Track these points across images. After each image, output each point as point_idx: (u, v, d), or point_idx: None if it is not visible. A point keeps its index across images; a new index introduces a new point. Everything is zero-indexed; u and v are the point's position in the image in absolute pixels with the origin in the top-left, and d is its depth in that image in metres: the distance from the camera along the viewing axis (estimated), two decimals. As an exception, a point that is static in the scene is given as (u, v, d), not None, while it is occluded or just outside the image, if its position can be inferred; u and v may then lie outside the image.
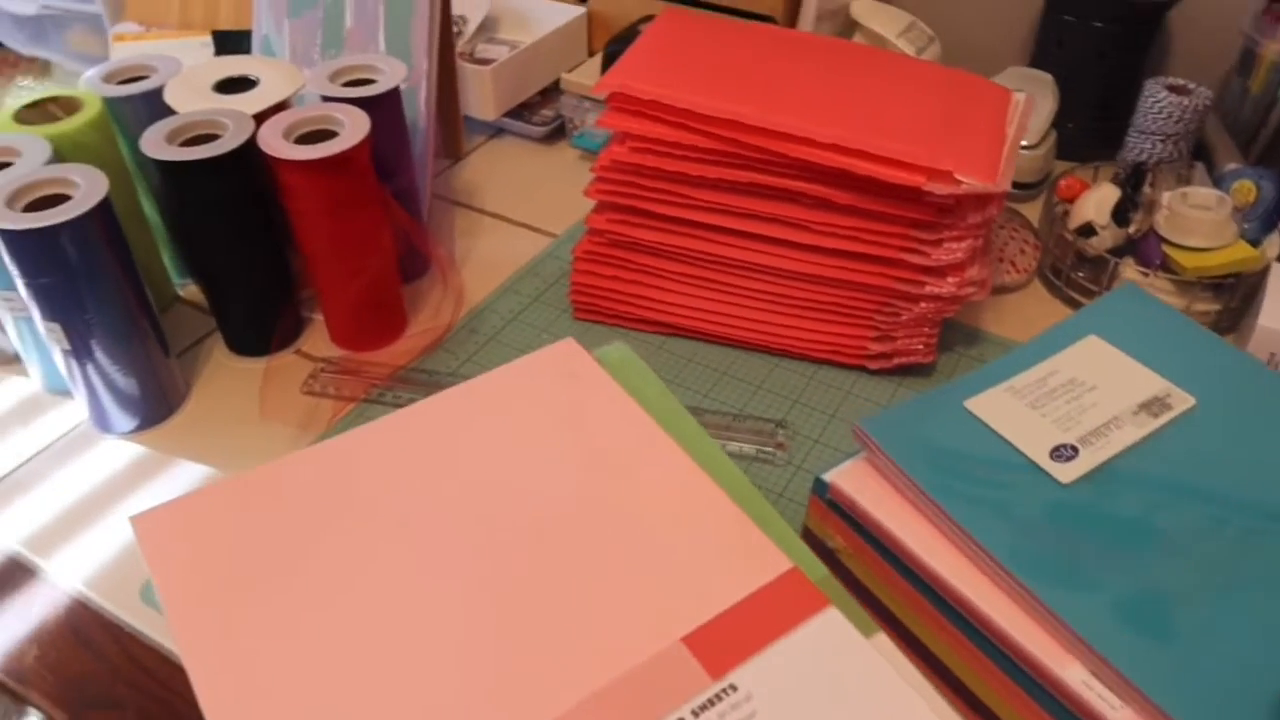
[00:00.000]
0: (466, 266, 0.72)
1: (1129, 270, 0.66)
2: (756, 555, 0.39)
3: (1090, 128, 0.84)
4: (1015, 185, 0.79)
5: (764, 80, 0.60)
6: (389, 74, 0.63)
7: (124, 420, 0.59)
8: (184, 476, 0.57)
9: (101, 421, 0.59)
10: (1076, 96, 0.82)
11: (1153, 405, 0.47)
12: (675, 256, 0.63)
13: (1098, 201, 0.68)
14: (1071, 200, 0.71)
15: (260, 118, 0.59)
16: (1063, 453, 0.45)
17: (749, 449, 0.58)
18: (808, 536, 0.50)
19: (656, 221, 0.62)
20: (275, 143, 0.55)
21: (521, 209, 0.78)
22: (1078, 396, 0.48)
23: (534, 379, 0.47)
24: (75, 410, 0.61)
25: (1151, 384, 0.48)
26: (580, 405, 0.45)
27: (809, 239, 0.59)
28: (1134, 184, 0.69)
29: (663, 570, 0.39)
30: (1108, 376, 0.49)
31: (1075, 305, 0.69)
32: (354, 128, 0.57)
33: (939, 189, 0.54)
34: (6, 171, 0.54)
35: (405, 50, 0.72)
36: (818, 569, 0.40)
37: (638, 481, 0.42)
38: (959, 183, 0.54)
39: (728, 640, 0.36)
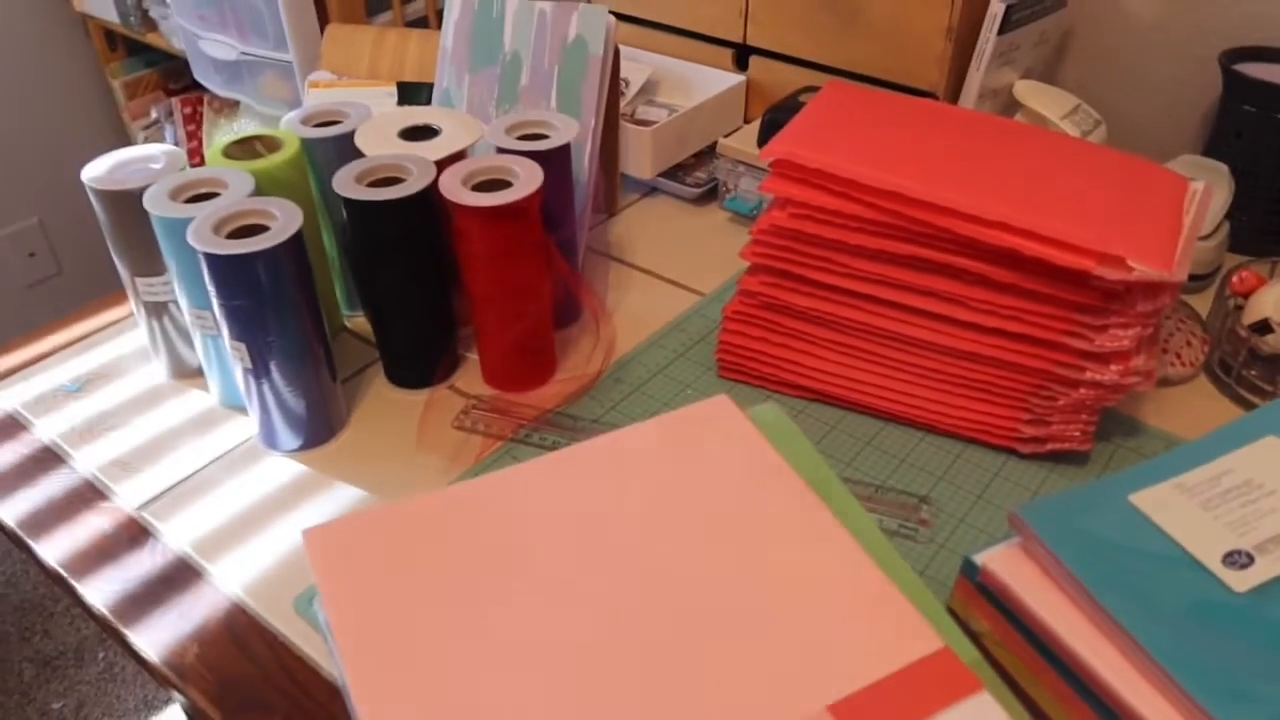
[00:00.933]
0: (615, 318, 0.74)
1: (1308, 372, 0.62)
2: (908, 630, 0.38)
3: (1267, 222, 0.80)
4: (1182, 275, 0.76)
5: (927, 154, 0.60)
6: (561, 130, 0.66)
7: (290, 439, 0.62)
8: (340, 497, 0.60)
9: (269, 438, 0.63)
10: (1253, 189, 0.79)
11: (1339, 517, 0.44)
12: (827, 323, 0.63)
13: (1277, 298, 0.65)
14: (1246, 295, 0.68)
15: (440, 164, 0.62)
16: (1237, 559, 0.43)
17: (891, 523, 0.57)
18: (951, 618, 0.48)
19: (811, 288, 0.62)
20: (455, 189, 0.59)
21: (671, 266, 0.80)
22: (1254, 500, 0.45)
23: (687, 433, 0.48)
24: (246, 426, 0.65)
25: (1337, 494, 0.46)
26: (733, 464, 0.46)
27: (966, 315, 0.59)
28: (1316, 282, 0.66)
29: (812, 636, 0.38)
30: (1288, 482, 0.46)
31: (1245, 404, 0.65)
32: (528, 179, 0.59)
33: (1109, 274, 0.53)
34: (214, 201, 0.58)
35: (575, 108, 0.75)
36: (969, 650, 0.40)
37: (789, 545, 0.42)
38: (1131, 269, 0.53)
39: (875, 713, 0.35)
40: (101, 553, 0.57)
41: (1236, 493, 0.46)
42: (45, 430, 0.66)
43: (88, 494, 0.61)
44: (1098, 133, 0.84)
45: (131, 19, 1.44)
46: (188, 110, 1.48)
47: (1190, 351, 0.68)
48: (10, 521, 0.60)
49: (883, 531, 0.56)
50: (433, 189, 0.60)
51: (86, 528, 0.59)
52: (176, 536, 0.58)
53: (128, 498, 0.60)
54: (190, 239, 0.55)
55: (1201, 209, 0.59)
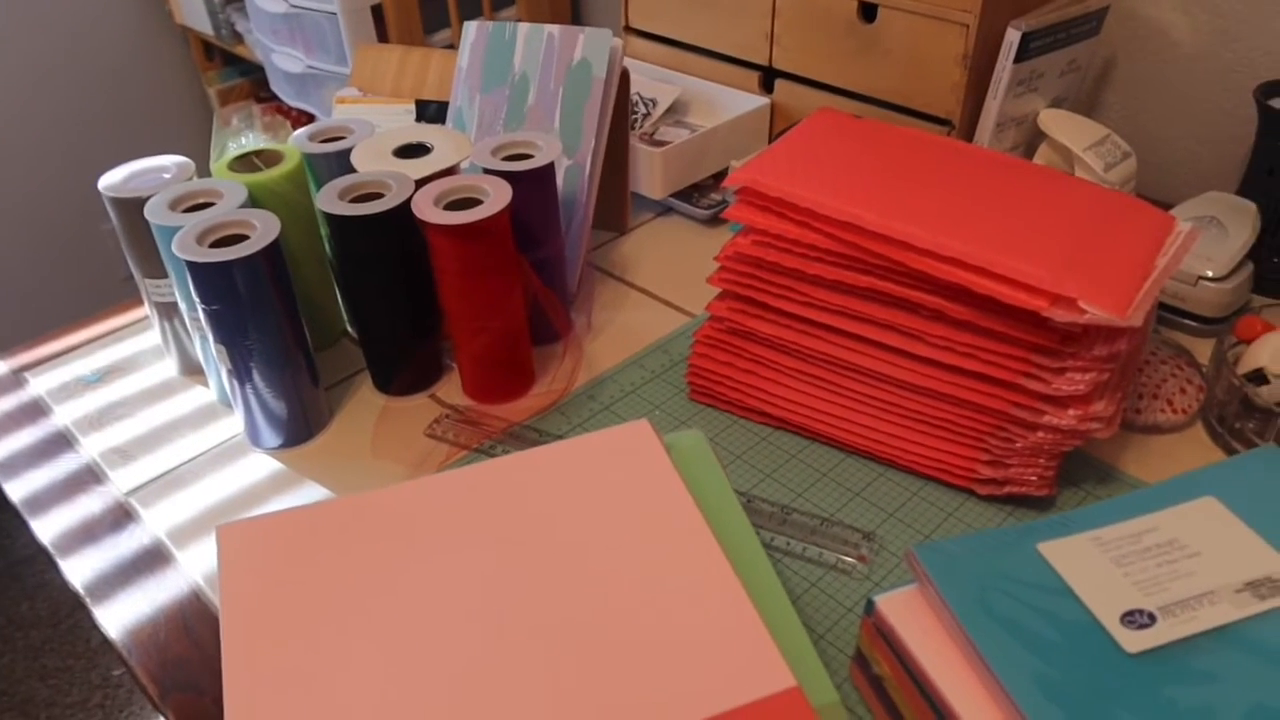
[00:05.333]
0: (603, 335, 0.75)
1: (1303, 427, 0.59)
2: (762, 666, 0.38)
3: (1299, 264, 0.76)
4: (1193, 319, 0.72)
5: (902, 187, 0.59)
6: (545, 151, 0.67)
7: (271, 437, 0.66)
8: (308, 495, 0.62)
9: (253, 435, 0.66)
10: (1285, 229, 0.75)
11: (1262, 586, 0.42)
12: (789, 351, 0.63)
13: (1277, 347, 0.62)
14: (1250, 341, 0.65)
15: (423, 182, 0.65)
16: (1136, 618, 0.41)
17: (830, 557, 0.56)
18: (859, 659, 0.48)
19: (773, 315, 0.62)
20: (425, 207, 0.61)
21: (669, 287, 0.81)
22: (1173, 560, 0.43)
23: (602, 454, 0.49)
24: (237, 422, 0.68)
25: (1267, 562, 0.43)
26: (633, 487, 0.46)
27: (923, 350, 0.58)
28: (1325, 332, 0.62)
29: (664, 662, 0.39)
30: (1216, 545, 0.44)
31: (1237, 457, 0.62)
32: (496, 199, 0.61)
33: (1060, 316, 0.51)
34: (207, 211, 0.62)
35: (577, 129, 0.77)
36: (828, 694, 0.39)
37: (665, 572, 0.42)
38: (1083, 311, 0.51)
39: (706, 747, 0.36)
40: (87, 533, 0.62)
41: (1156, 551, 0.44)
42: (63, 416, 0.71)
43: (86, 478, 0.66)
44: (1125, 165, 0.81)
45: (222, 31, 1.53)
46: (267, 118, 1.56)
47: (1184, 399, 0.65)
48: (16, 499, 0.65)
49: (820, 564, 0.56)
50: (407, 205, 0.62)
51: (79, 509, 0.63)
52: (156, 523, 0.62)
53: (120, 483, 0.65)
54: (174, 247, 0.58)
55: (1180, 251, 0.57)
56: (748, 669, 0.38)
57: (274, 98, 1.71)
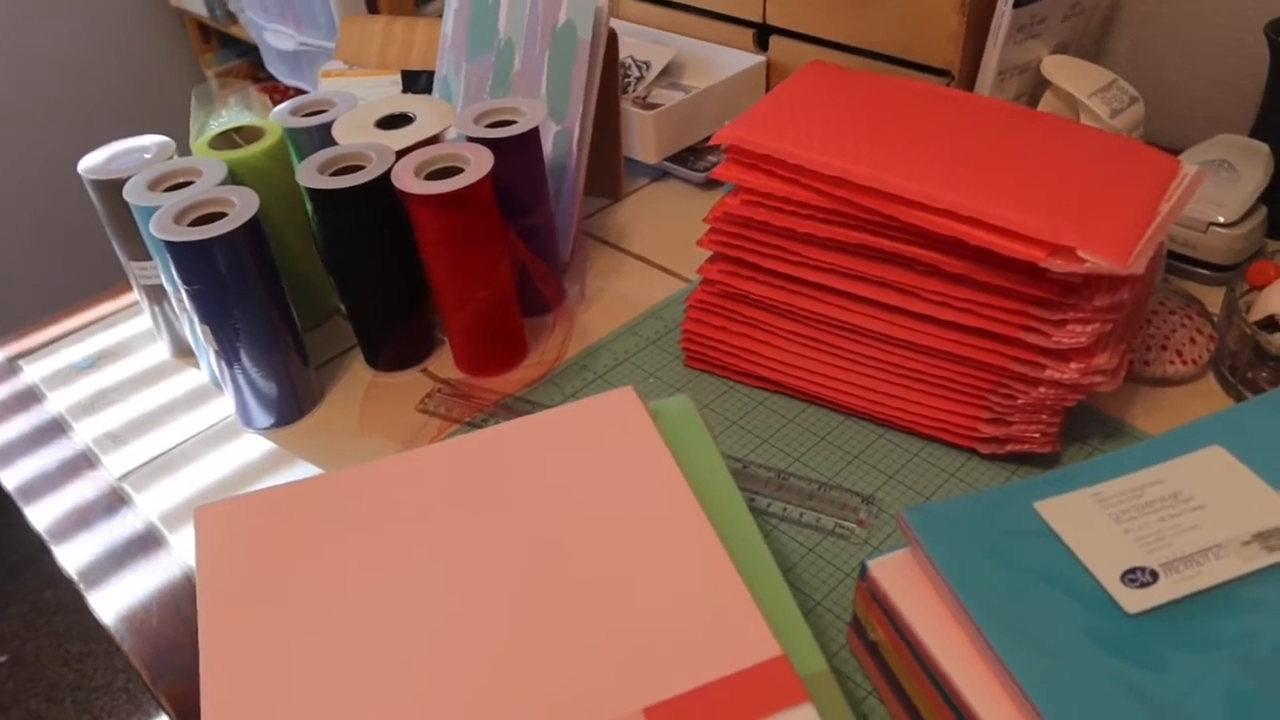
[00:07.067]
0: (597, 304, 0.74)
1: (1318, 374, 0.57)
2: (747, 636, 0.37)
3: (1315, 207, 0.73)
4: (1204, 266, 0.70)
5: (895, 139, 0.57)
6: (528, 117, 0.66)
7: (262, 417, 0.65)
8: (299, 474, 0.62)
9: (244, 416, 0.65)
10: (1299, 171, 0.72)
11: (1272, 537, 0.41)
12: (783, 313, 0.61)
13: (1289, 292, 0.59)
14: (1262, 287, 0.62)
15: (404, 153, 0.64)
16: (1138, 577, 0.39)
17: (828, 521, 0.55)
18: (856, 625, 0.47)
19: (765, 276, 0.60)
20: (405, 177, 0.60)
21: (664, 253, 0.79)
22: (1177, 514, 0.42)
23: (586, 422, 0.48)
24: (228, 404, 0.68)
25: (1277, 512, 0.41)
26: (617, 455, 0.45)
27: (920, 307, 0.56)
28: (1341, 275, 0.60)
29: (647, 634, 0.38)
30: (1222, 496, 0.42)
31: (1250, 408, 0.60)
32: (477, 166, 0.60)
33: (1058, 266, 0.50)
34: (184, 190, 0.61)
35: (565, 94, 0.75)
36: (815, 662, 0.38)
37: (648, 540, 0.41)
38: (1082, 261, 0.49)
39: (691, 717, 0.35)
40: (80, 519, 0.61)
41: (1159, 505, 0.42)
42: (56, 403, 0.71)
43: (80, 464, 0.65)
44: (1132, 111, 0.79)
45: (216, 11, 1.52)
46: (263, 99, 1.55)
47: (1194, 349, 0.63)
48: (10, 487, 0.65)
49: (817, 530, 0.55)
50: (388, 177, 0.61)
51: (72, 495, 0.63)
52: (148, 506, 0.61)
53: (113, 468, 0.64)
54: (152, 227, 0.57)
55: (1185, 196, 0.55)
56: (732, 639, 0.37)
57: (271, 78, 1.70)
